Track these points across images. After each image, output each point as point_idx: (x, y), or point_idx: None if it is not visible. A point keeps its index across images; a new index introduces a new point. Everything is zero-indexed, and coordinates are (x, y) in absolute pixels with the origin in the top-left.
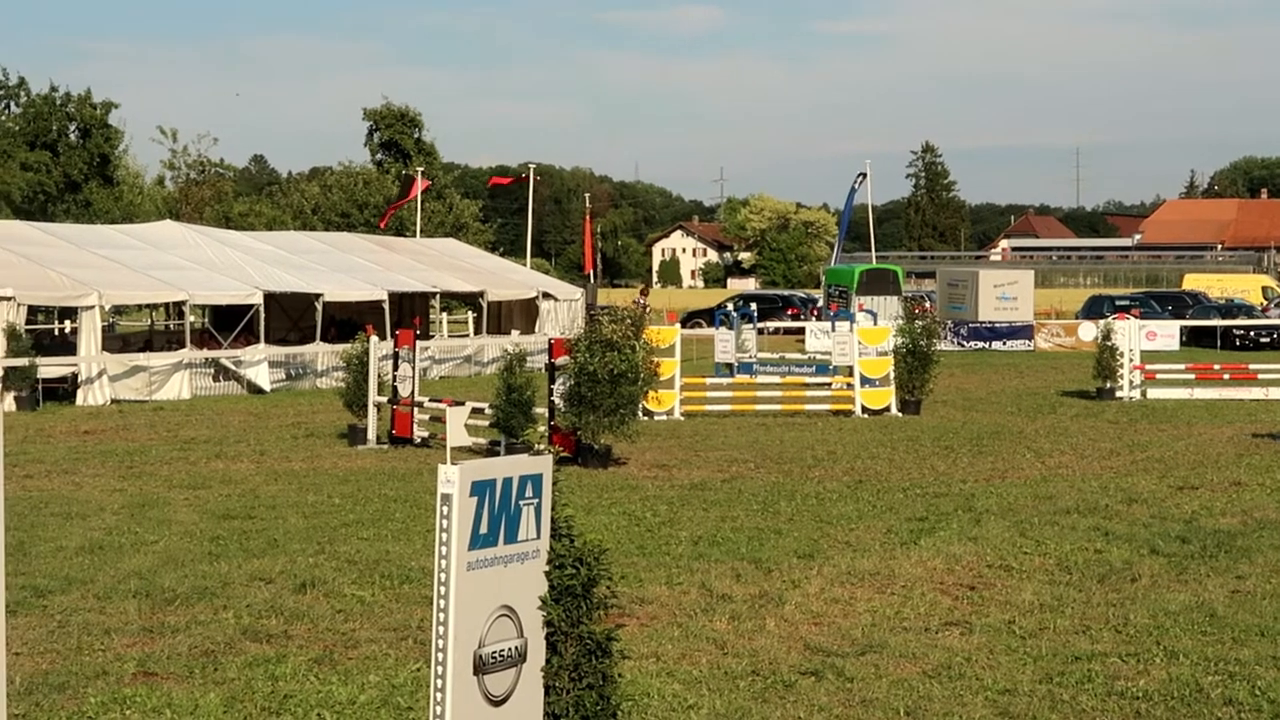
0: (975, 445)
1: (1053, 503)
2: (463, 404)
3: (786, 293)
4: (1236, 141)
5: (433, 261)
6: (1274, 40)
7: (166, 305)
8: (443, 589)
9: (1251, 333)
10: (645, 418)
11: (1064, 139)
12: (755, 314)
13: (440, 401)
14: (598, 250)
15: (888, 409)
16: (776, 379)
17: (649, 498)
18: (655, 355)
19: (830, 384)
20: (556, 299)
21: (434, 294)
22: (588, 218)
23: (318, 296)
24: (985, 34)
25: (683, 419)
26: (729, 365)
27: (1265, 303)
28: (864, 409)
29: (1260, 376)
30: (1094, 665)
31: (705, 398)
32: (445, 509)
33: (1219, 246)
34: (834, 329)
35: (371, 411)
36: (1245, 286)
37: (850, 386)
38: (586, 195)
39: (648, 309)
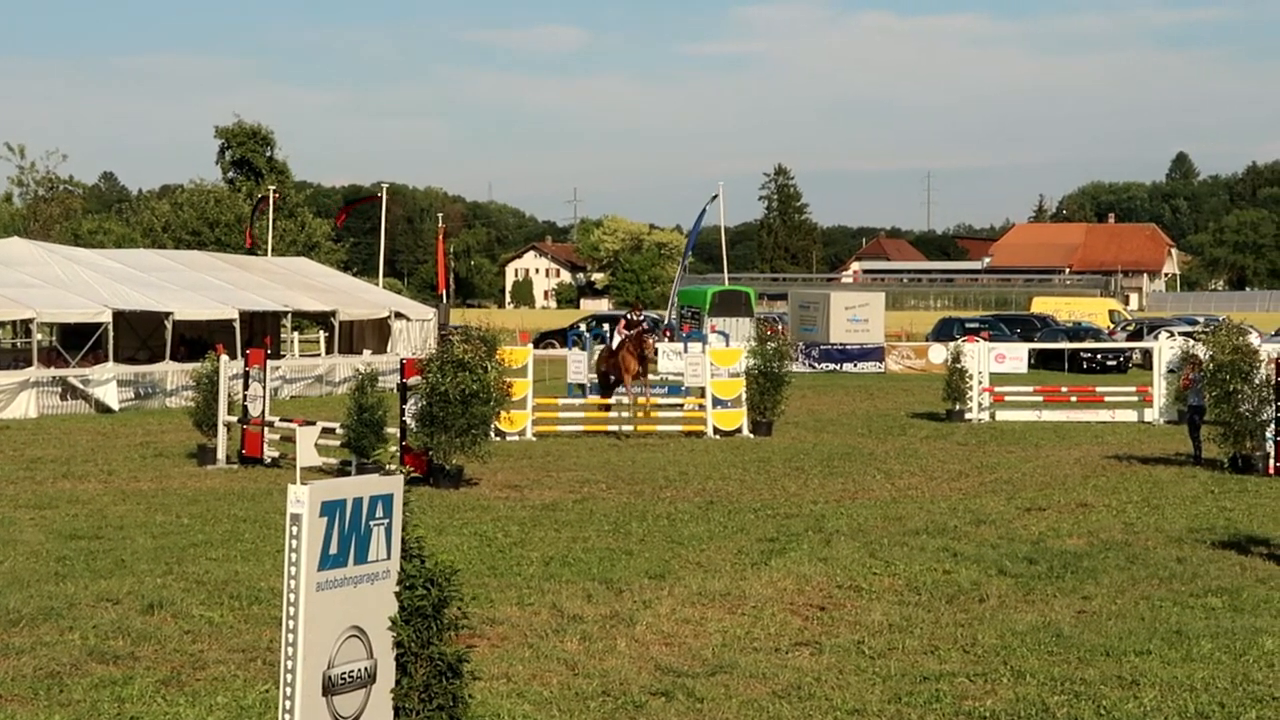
0: (826, 466)
1: (902, 524)
2: (313, 424)
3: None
4: (1085, 166)
5: (284, 280)
6: (1122, 66)
7: (14, 323)
8: (292, 609)
9: (1098, 356)
10: (497, 438)
11: (915, 163)
12: (608, 334)
13: (291, 421)
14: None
15: (739, 430)
16: (628, 400)
17: (501, 518)
18: (507, 375)
19: (682, 405)
20: (409, 319)
21: (285, 313)
22: (441, 237)
23: (167, 315)
24: (840, 58)
25: (535, 439)
26: (581, 386)
27: (1112, 326)
28: (716, 430)
29: (1107, 399)
30: (942, 685)
31: (558, 418)
32: (295, 529)
33: (1067, 270)
34: (686, 350)
35: (221, 431)
36: (1092, 310)
37: (702, 408)
38: (440, 215)
39: (645, 324)
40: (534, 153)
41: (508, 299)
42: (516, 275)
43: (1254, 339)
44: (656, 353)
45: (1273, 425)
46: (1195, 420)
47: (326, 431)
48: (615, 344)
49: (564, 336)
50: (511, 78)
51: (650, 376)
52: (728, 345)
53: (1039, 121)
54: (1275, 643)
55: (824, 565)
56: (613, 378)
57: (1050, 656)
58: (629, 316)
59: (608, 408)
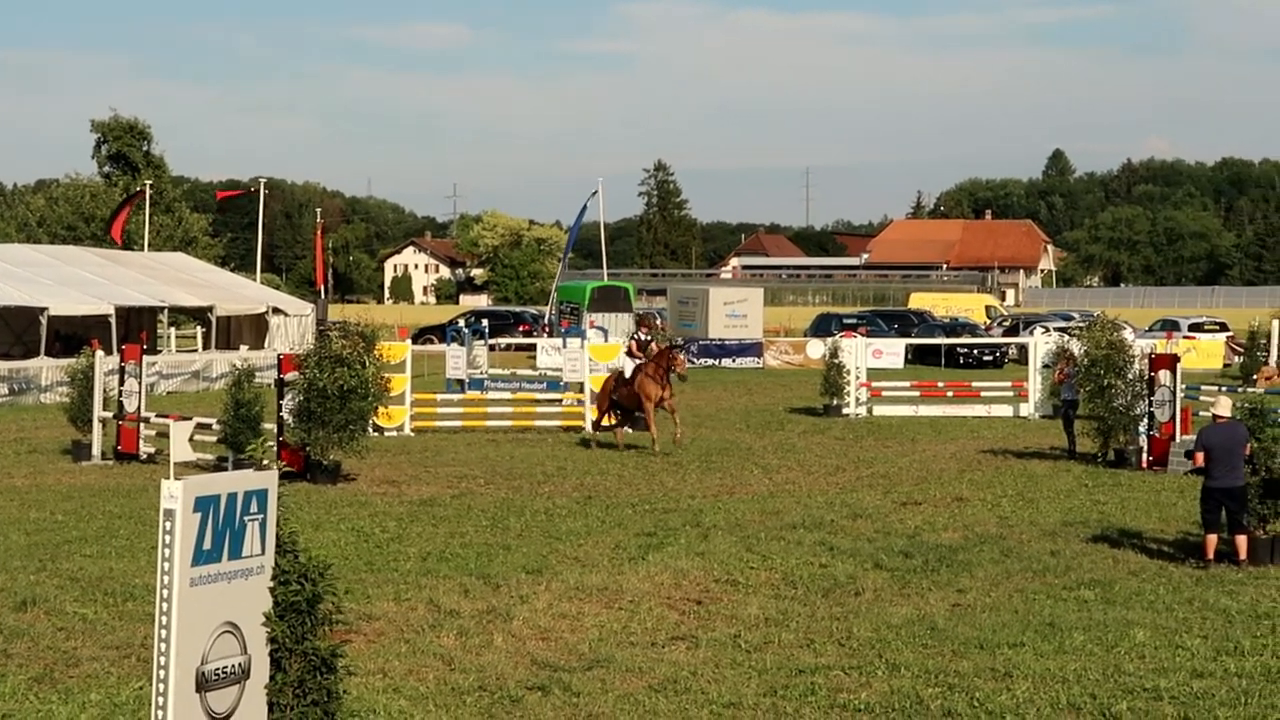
0: (704, 461)
1: (779, 518)
2: (188, 419)
3: (519, 309)
4: (962, 163)
5: (161, 276)
6: (999, 62)
7: None
8: (165, 606)
9: (975, 351)
10: (375, 434)
11: (794, 159)
12: (487, 330)
13: (167, 417)
14: (329, 265)
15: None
16: (507, 395)
17: (378, 514)
18: (386, 371)
19: (561, 400)
20: (287, 314)
21: (162, 308)
22: (319, 233)
23: (42, 310)
24: (719, 55)
25: (413, 435)
26: (460, 381)
27: (988, 321)
28: (595, 425)
29: (983, 394)
30: (817, 678)
31: (436, 414)
32: (168, 525)
33: (944, 266)
34: (565, 346)
35: (96, 427)
36: (969, 305)
37: (581, 403)
38: (318, 210)
39: (651, 341)
40: (413, 148)
41: (387, 294)
42: (395, 271)
43: (1128, 334)
44: (682, 374)
45: (1146, 420)
46: (1069, 415)
47: (203, 427)
48: (629, 370)
49: (443, 332)
50: (391, 74)
51: (528, 371)
52: (606, 341)
53: (917, 119)
54: (1146, 634)
55: (701, 560)
56: (631, 409)
57: (925, 649)
58: (639, 336)
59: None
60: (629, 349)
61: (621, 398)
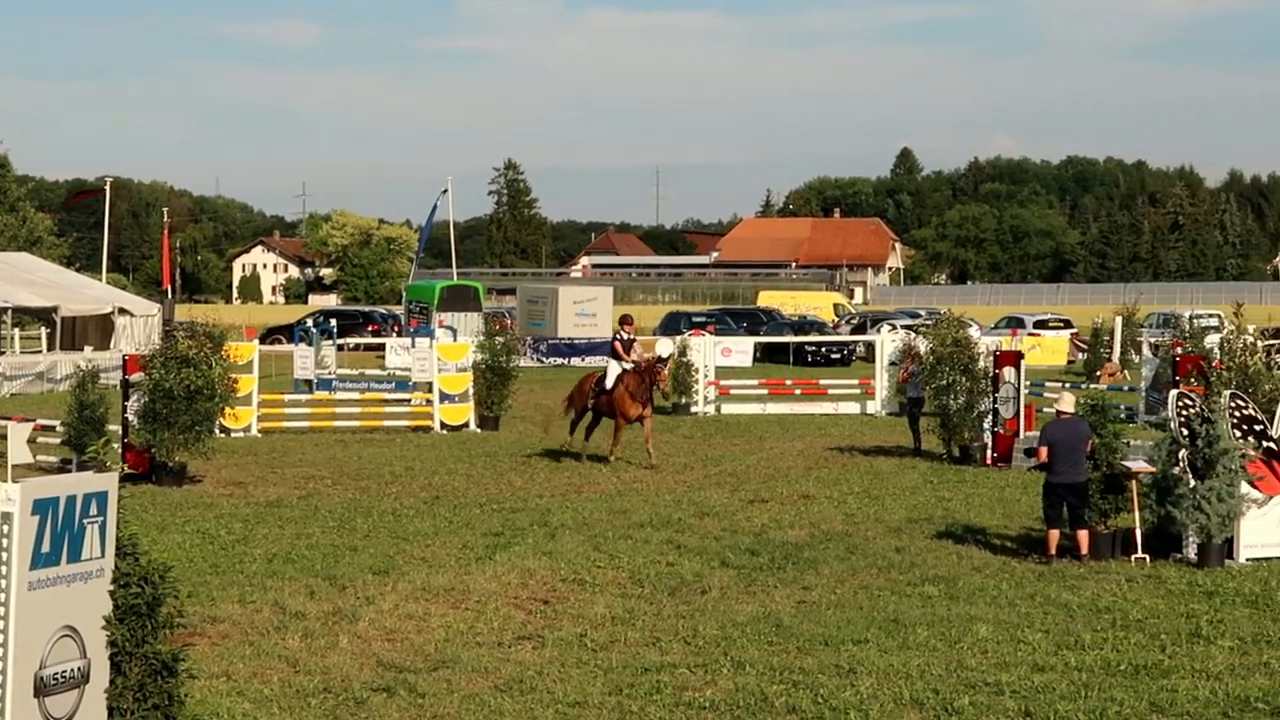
0: (552, 461)
1: (627, 517)
2: (29, 421)
3: (368, 309)
4: (811, 162)
5: (4, 276)
6: (847, 61)
7: None
8: (2, 610)
9: (823, 349)
10: (222, 435)
11: (644, 158)
12: (335, 330)
13: (9, 419)
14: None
15: (466, 425)
16: (356, 395)
17: (224, 515)
18: (232, 371)
19: (410, 400)
20: (133, 315)
21: (5, 309)
22: (166, 232)
23: None
24: (570, 53)
25: (260, 436)
26: (308, 382)
27: (836, 319)
28: (443, 425)
29: (830, 392)
30: (663, 676)
31: (284, 414)
32: (5, 528)
33: (793, 264)
34: (414, 345)
35: None
36: (818, 304)
37: (429, 403)
38: (165, 209)
39: (634, 340)
40: (262, 147)
41: (235, 294)
42: (244, 270)
43: (974, 332)
44: (664, 390)
45: (990, 416)
46: (914, 412)
47: (46, 429)
48: (612, 376)
49: (291, 332)
50: (240, 71)
51: (377, 371)
52: (455, 340)
53: (766, 117)
54: (989, 629)
55: (548, 559)
56: (602, 411)
57: (770, 646)
58: (622, 336)
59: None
60: (613, 350)
61: (599, 405)
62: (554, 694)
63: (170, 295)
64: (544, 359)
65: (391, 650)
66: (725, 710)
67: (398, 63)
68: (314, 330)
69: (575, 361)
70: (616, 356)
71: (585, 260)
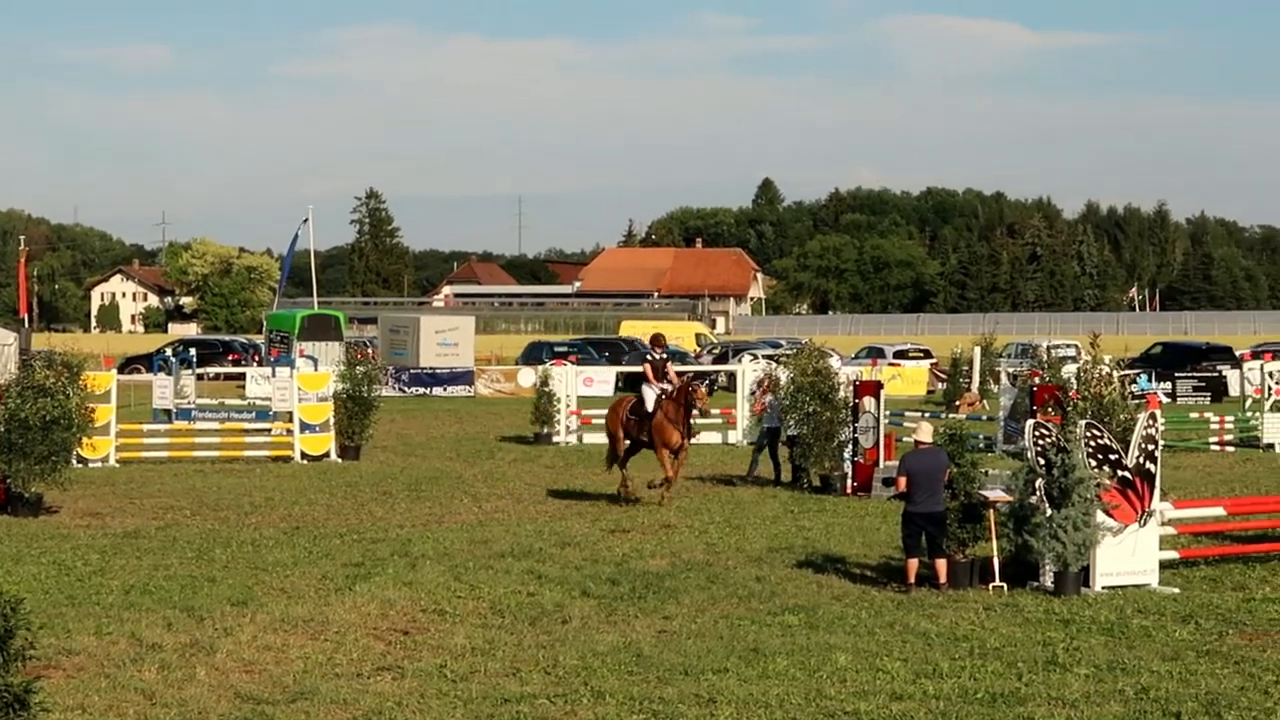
0: (414, 491)
1: (488, 547)
2: None
3: (228, 338)
4: (673, 192)
5: None
6: (709, 91)
7: None
8: None
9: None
10: (79, 465)
11: (507, 187)
12: (195, 359)
13: None
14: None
15: (327, 455)
16: (215, 425)
17: (80, 546)
18: (90, 401)
19: (270, 430)
20: None
21: None
22: (23, 260)
23: None
24: (431, 81)
25: (118, 466)
26: (167, 411)
27: (698, 349)
28: (303, 455)
29: (692, 422)
30: (523, 707)
31: (142, 444)
32: None
33: (655, 294)
34: (274, 375)
35: None
36: (680, 333)
37: (290, 433)
38: (21, 237)
39: (667, 361)
40: (121, 174)
41: (93, 323)
42: (103, 299)
43: (834, 362)
44: (705, 410)
45: (850, 446)
46: (773, 444)
47: None
48: (650, 399)
49: (150, 361)
50: (98, 97)
51: (237, 401)
52: (316, 370)
53: (628, 147)
54: (848, 658)
55: (409, 589)
56: (642, 440)
57: (630, 676)
58: (654, 356)
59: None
60: (645, 374)
61: (634, 431)
62: None
63: (27, 324)
64: (406, 388)
65: (249, 682)
66: None
67: (255, 89)
68: (173, 360)
69: (437, 391)
70: (648, 381)
71: (447, 289)
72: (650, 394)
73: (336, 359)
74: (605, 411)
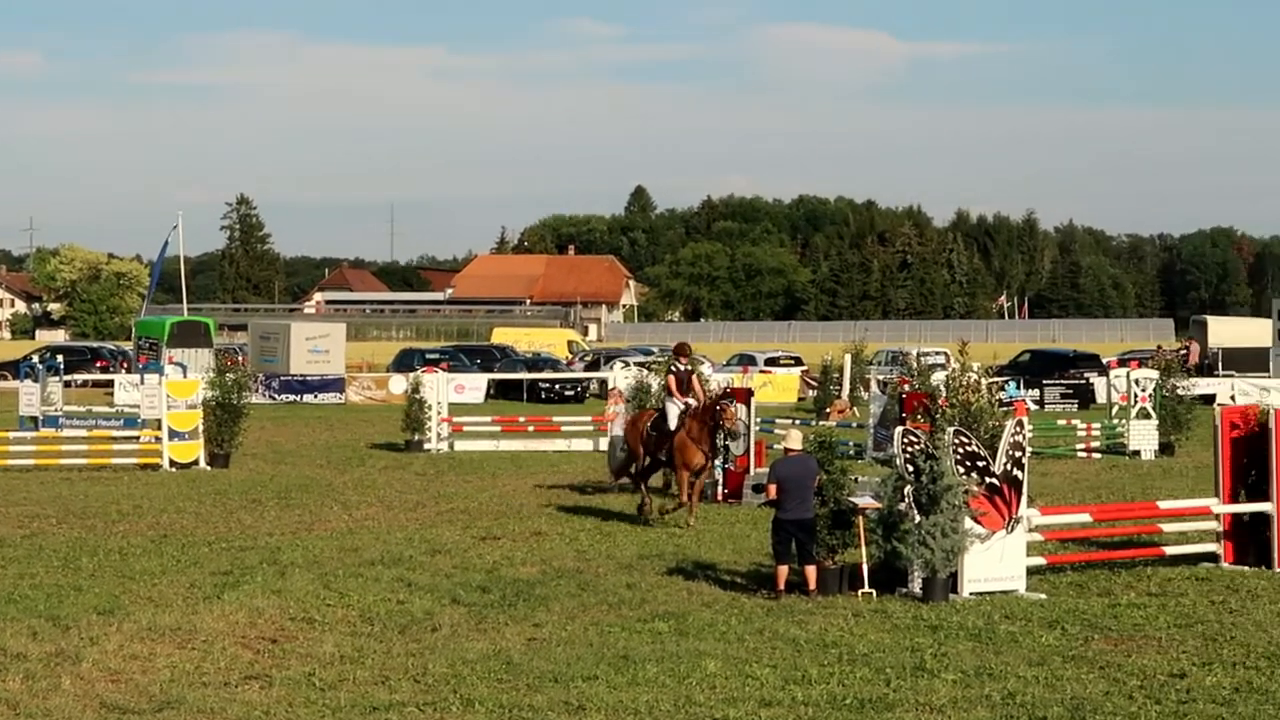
0: (283, 498)
1: (358, 554)
2: None
3: (96, 344)
4: (546, 199)
5: None
6: (581, 99)
7: None
8: None
9: (556, 386)
10: None
11: (378, 193)
12: (62, 366)
13: None
14: None
15: (196, 462)
16: (83, 432)
17: None
18: None
19: (138, 437)
20: None
21: None
22: None
23: None
24: (303, 88)
25: None
26: (34, 419)
27: (570, 356)
28: (172, 463)
29: (564, 429)
30: (391, 715)
31: (8, 452)
32: None
33: (528, 301)
34: (143, 382)
35: None
36: (552, 340)
37: (158, 440)
38: None
39: (692, 373)
40: None
41: None
42: None
43: (706, 369)
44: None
45: (722, 453)
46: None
47: None
48: (674, 416)
49: (16, 368)
50: None
51: (105, 408)
52: (185, 377)
53: (501, 154)
54: (718, 665)
55: (278, 598)
56: (661, 459)
57: (500, 684)
58: (677, 367)
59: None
60: (667, 387)
61: (655, 449)
62: None
63: None
64: (276, 395)
65: (115, 691)
66: None
67: (125, 96)
68: (40, 366)
69: (308, 398)
70: (671, 394)
71: (319, 296)
72: (674, 410)
73: (206, 366)
74: (486, 418)
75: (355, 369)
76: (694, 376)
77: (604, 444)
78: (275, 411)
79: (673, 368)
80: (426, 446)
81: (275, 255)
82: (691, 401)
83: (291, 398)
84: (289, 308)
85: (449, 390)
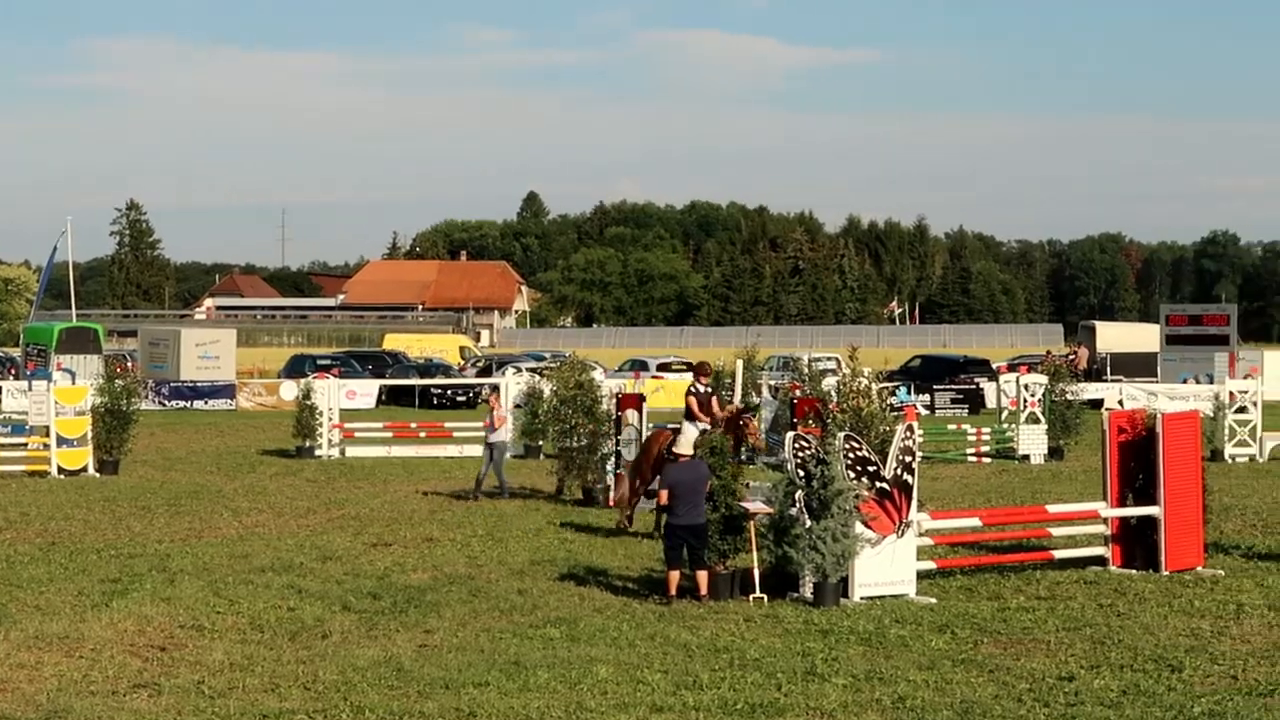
0: (173, 505)
1: (248, 561)
2: None
3: None
4: (438, 204)
5: None
6: (473, 105)
7: None
8: None
9: (448, 391)
10: None
11: (269, 199)
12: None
13: None
14: None
15: (85, 469)
16: None
17: None
18: None
19: (26, 444)
20: None
21: None
22: None
23: None
24: (192, 93)
25: None
26: None
27: (463, 362)
28: (60, 469)
29: (455, 434)
30: None
31: None
32: None
33: (420, 307)
34: (31, 388)
35: None
36: (444, 346)
37: (46, 447)
38: None
39: (713, 394)
40: None
41: None
42: None
43: (598, 375)
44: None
45: (613, 459)
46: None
47: None
48: (690, 438)
49: None
50: None
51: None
52: (74, 383)
53: (393, 159)
54: (609, 670)
55: (167, 605)
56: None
57: (390, 690)
58: (698, 388)
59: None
60: (688, 410)
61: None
62: None
63: None
64: (166, 402)
65: (2, 701)
66: None
67: (13, 100)
68: None
69: (198, 404)
70: (692, 416)
71: (209, 302)
72: (691, 432)
73: (95, 372)
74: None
75: (246, 375)
76: (714, 398)
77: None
78: (165, 418)
79: (694, 390)
80: (318, 453)
81: (165, 261)
82: (706, 426)
83: (182, 404)
84: (179, 314)
85: (340, 396)
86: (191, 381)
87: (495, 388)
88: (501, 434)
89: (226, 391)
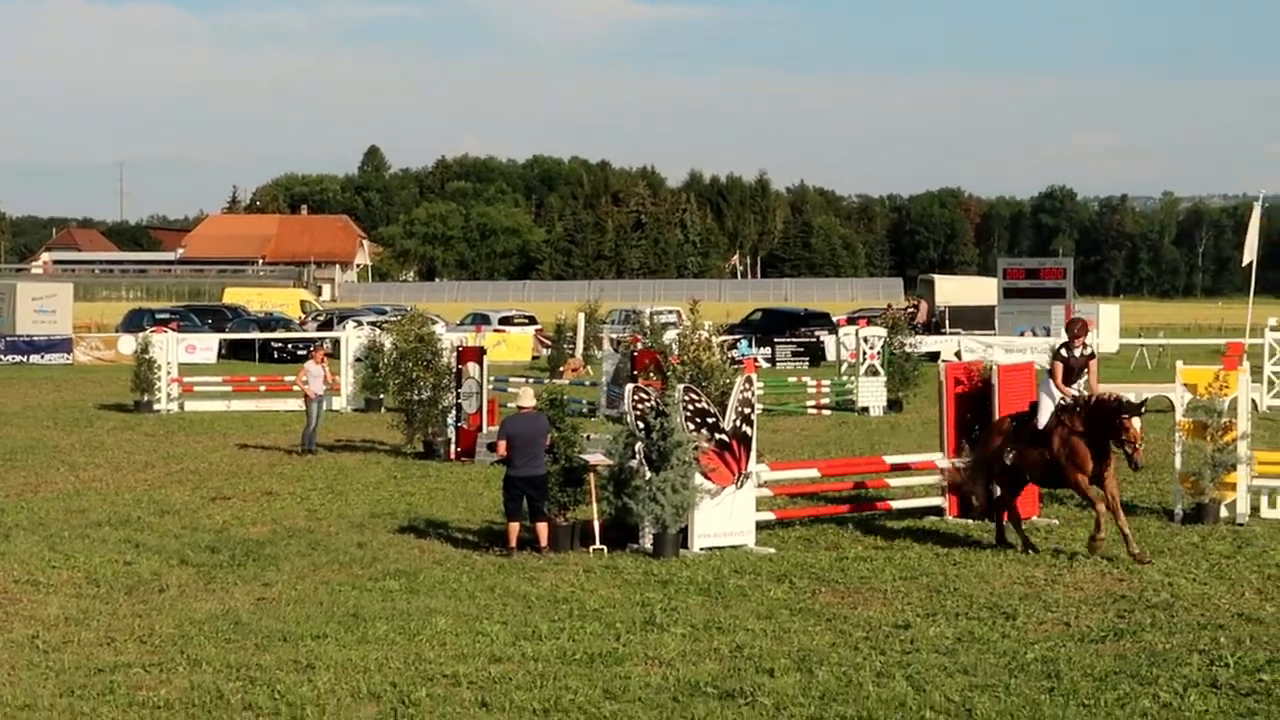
0: (7, 460)
1: (85, 516)
2: None
3: None
4: (278, 158)
5: None
6: (313, 59)
7: None
8: None
9: (288, 345)
10: None
11: (107, 153)
12: None
13: None
14: None
15: None
16: None
17: None
18: None
19: None
20: None
21: None
22: None
23: None
24: (28, 44)
25: None
26: None
27: (304, 316)
28: None
29: (296, 389)
30: (117, 677)
31: None
32: None
33: (260, 261)
34: None
35: None
36: (285, 300)
37: None
38: None
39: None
40: None
41: None
42: None
43: (438, 328)
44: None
45: (454, 412)
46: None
47: None
48: (1045, 415)
49: None
50: None
51: None
52: None
53: (232, 113)
54: (448, 622)
55: (0, 560)
56: (1041, 481)
57: (228, 644)
58: (1069, 352)
59: None
60: (1053, 372)
61: (1027, 463)
62: (1, 697)
63: None
64: (1, 357)
65: None
66: (180, 709)
67: None
68: None
69: (34, 359)
70: (1054, 380)
71: (46, 256)
72: (1047, 406)
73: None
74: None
75: (83, 329)
76: (1093, 361)
77: (337, 403)
78: (1, 373)
79: (1061, 353)
80: (156, 407)
81: (1, 215)
82: (1072, 393)
83: (18, 359)
84: (15, 268)
85: (179, 350)
86: (28, 336)
87: (321, 343)
88: (318, 387)
89: (63, 346)
